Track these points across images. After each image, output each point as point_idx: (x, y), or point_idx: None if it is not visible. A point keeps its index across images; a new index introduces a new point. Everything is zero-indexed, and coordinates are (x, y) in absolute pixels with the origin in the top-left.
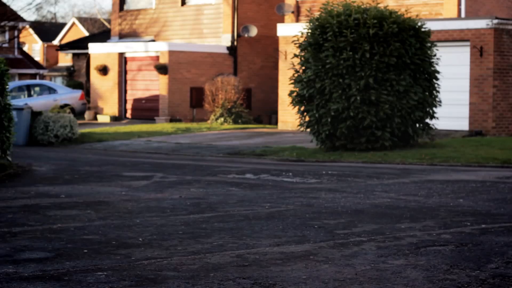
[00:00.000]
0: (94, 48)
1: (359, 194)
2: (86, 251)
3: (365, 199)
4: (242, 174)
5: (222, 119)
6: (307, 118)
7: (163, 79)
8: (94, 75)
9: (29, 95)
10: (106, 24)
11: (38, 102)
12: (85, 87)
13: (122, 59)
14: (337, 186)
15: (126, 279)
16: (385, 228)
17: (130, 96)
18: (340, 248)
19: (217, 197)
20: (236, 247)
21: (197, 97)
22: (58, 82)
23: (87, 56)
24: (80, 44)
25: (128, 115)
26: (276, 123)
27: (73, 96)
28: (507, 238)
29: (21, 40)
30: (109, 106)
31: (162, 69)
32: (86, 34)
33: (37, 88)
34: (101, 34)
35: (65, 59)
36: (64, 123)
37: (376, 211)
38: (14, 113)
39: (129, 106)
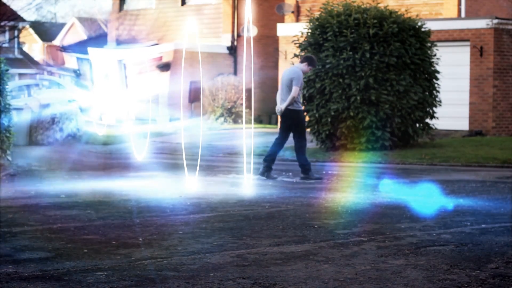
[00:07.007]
0: (94, 54)
1: (359, 194)
2: (86, 251)
3: (365, 199)
4: (242, 174)
5: (222, 119)
6: (307, 118)
7: (164, 78)
8: (97, 80)
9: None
10: (103, 26)
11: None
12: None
13: (121, 63)
14: (337, 186)
15: (126, 279)
16: (385, 228)
17: (132, 98)
18: (340, 248)
19: (217, 197)
20: (236, 247)
21: (196, 97)
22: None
23: (89, 62)
24: (82, 47)
25: (132, 116)
26: (276, 123)
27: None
28: (507, 238)
29: (21, 40)
30: (113, 108)
31: (164, 67)
32: (86, 34)
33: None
34: (99, 37)
35: (71, 60)
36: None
37: (376, 211)
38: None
39: (131, 107)
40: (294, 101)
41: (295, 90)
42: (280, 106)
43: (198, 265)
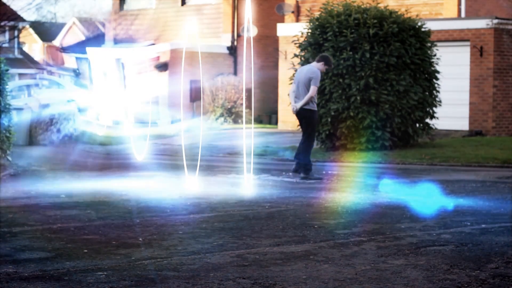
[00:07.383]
0: (92, 53)
1: (359, 194)
2: (86, 251)
3: (365, 199)
4: (242, 174)
5: (222, 119)
6: None
7: (163, 79)
8: (96, 79)
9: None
10: (100, 27)
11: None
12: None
13: (120, 63)
14: (337, 186)
15: (126, 279)
16: (385, 228)
17: (131, 99)
18: (340, 248)
19: (217, 197)
20: (236, 247)
21: (197, 96)
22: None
23: (87, 61)
24: (81, 47)
25: (131, 117)
26: (276, 123)
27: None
28: (507, 238)
29: (21, 40)
30: (111, 109)
31: (162, 67)
32: (86, 34)
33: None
34: (97, 38)
35: (70, 60)
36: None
37: (376, 211)
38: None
39: (131, 109)
40: (310, 100)
41: (314, 89)
42: (295, 105)
43: (198, 265)
